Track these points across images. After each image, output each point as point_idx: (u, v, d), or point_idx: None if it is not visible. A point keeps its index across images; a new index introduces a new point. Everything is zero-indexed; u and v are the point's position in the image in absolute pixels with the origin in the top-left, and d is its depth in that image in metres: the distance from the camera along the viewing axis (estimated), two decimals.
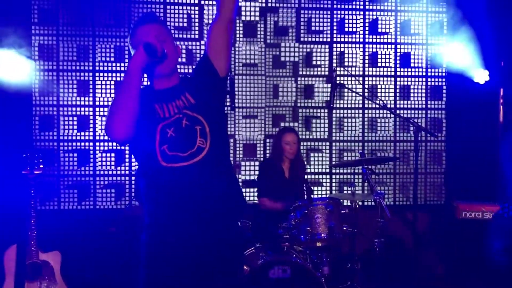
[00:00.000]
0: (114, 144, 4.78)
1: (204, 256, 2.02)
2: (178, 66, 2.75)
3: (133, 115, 1.96)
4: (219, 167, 2.07)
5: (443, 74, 5.15)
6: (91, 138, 4.78)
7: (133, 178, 4.78)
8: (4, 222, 3.97)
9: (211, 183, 2.03)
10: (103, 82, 4.78)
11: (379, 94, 5.07)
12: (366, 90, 5.02)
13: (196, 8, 4.92)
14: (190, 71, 4.79)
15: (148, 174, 2.07)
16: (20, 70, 4.34)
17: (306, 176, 4.57)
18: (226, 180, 2.09)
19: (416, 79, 5.15)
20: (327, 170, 5.04)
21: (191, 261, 2.01)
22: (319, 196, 4.93)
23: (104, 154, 4.79)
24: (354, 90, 4.56)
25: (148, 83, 2.20)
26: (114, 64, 4.79)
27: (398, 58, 5.13)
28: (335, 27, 5.07)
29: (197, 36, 4.91)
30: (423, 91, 5.15)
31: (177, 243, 2.01)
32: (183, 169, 2.00)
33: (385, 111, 5.03)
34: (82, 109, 4.76)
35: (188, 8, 4.91)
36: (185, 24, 4.88)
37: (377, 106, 4.87)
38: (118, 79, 4.81)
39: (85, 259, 4.13)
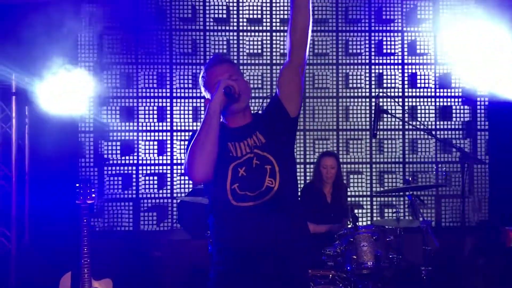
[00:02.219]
0: (157, 168, 4.90)
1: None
2: None
3: (213, 156, 1.99)
4: (287, 208, 2.07)
5: (486, 94, 5.07)
6: (135, 162, 4.90)
7: (175, 201, 4.87)
8: (58, 250, 4.10)
9: (278, 223, 2.04)
10: (146, 108, 4.91)
11: (419, 115, 5.02)
12: (406, 112, 4.98)
13: (235, 34, 5.01)
14: None
15: (218, 212, 2.10)
16: (68, 98, 4.49)
17: (348, 199, 4.56)
18: (293, 220, 2.10)
19: (456, 100, 5.08)
20: (368, 193, 5.02)
21: None
22: (360, 219, 4.89)
23: (147, 178, 4.90)
24: (392, 112, 4.54)
25: (222, 120, 2.24)
26: (156, 90, 4.92)
27: (437, 78, 5.09)
28: (373, 49, 5.08)
29: (235, 60, 5.00)
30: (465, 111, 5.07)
31: (244, 282, 2.03)
32: (251, 209, 2.02)
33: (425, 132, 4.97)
34: (126, 134, 4.89)
35: (227, 34, 5.01)
36: (224, 50, 4.98)
37: (418, 128, 4.82)
38: (160, 104, 4.94)
39: (135, 285, 4.22)
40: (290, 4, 2.08)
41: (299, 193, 2.25)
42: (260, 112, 2.30)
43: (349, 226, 3.60)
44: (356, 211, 4.92)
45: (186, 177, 4.88)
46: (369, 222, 4.85)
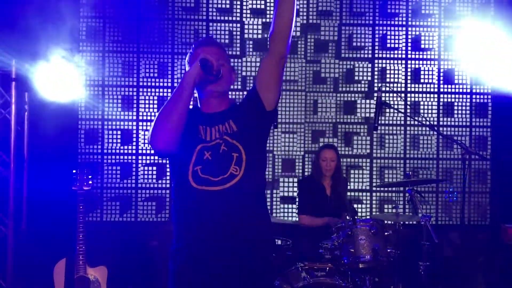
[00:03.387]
0: (156, 158, 4.87)
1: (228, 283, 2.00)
2: None
3: (178, 126, 1.97)
4: (249, 197, 2.04)
5: (489, 91, 5.02)
6: (133, 151, 4.88)
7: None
8: (54, 236, 4.09)
9: (238, 211, 2.01)
10: (147, 97, 4.88)
11: (421, 111, 4.98)
12: (408, 107, 4.94)
13: (238, 25, 4.97)
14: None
15: (178, 194, 2.08)
16: (68, 85, 4.47)
17: (347, 194, 4.53)
18: (254, 210, 2.07)
19: (460, 96, 5.04)
20: (368, 188, 4.98)
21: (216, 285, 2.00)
22: (360, 214, 4.86)
23: (146, 168, 4.87)
24: (397, 108, 4.50)
25: (198, 104, 2.22)
26: (157, 80, 4.89)
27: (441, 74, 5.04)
28: (376, 43, 5.03)
29: (238, 53, 4.96)
30: (467, 108, 5.03)
31: (203, 270, 2.00)
32: (211, 193, 2.00)
33: (427, 128, 4.94)
34: (126, 123, 4.86)
35: (229, 25, 4.96)
36: (226, 41, 4.94)
37: (420, 123, 4.77)
38: (161, 94, 4.90)
39: (130, 273, 4.21)
40: None
41: (265, 188, 2.20)
42: (237, 104, 2.27)
43: (348, 219, 3.57)
44: (355, 205, 4.88)
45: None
46: (368, 217, 4.82)
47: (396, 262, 3.56)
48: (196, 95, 2.19)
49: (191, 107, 2.10)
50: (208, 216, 1.99)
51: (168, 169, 4.90)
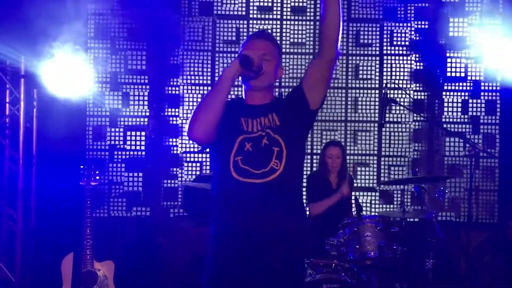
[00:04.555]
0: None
1: (262, 277, 2.02)
2: None
3: (214, 118, 2.02)
4: (288, 192, 2.07)
5: (497, 88, 4.98)
6: (142, 148, 4.90)
7: (180, 189, 4.87)
8: (63, 231, 4.13)
9: (277, 205, 2.03)
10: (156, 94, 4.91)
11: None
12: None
13: (245, 21, 4.98)
14: None
15: (218, 182, 2.11)
16: (76, 82, 4.50)
17: (353, 192, 4.52)
18: (293, 206, 2.10)
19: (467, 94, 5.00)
20: (375, 186, 4.97)
21: (249, 278, 2.02)
22: (367, 212, 4.86)
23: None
24: (404, 105, 4.49)
25: (243, 95, 2.24)
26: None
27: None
28: (384, 40, 5.02)
29: None
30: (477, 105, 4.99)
31: (238, 256, 2.03)
32: (252, 186, 2.02)
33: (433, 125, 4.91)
34: (135, 120, 4.89)
35: (237, 22, 4.97)
36: (233, 38, 4.95)
37: (424, 119, 4.75)
38: (169, 92, 4.93)
39: (136, 268, 4.24)
40: (320, 1, 2.06)
41: (303, 184, 2.23)
42: (281, 98, 2.30)
43: (354, 216, 3.56)
44: (361, 202, 4.88)
45: (195, 165, 4.89)
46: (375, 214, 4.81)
47: (402, 259, 3.55)
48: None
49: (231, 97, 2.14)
50: (248, 207, 2.02)
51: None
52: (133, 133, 4.88)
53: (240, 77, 2.13)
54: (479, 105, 4.97)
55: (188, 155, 4.92)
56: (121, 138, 4.87)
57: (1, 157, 4.44)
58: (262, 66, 2.07)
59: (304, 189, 4.68)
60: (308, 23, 4.98)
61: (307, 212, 4.18)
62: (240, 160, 2.05)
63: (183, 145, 4.91)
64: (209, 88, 4.84)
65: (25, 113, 4.41)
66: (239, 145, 2.07)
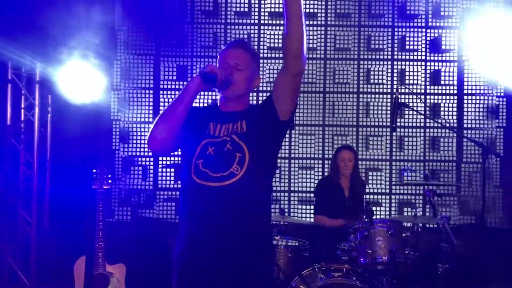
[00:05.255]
0: (174, 159, 4.93)
1: (227, 276, 2.03)
2: None
3: (172, 130, 2.03)
4: (246, 197, 2.05)
5: (502, 93, 4.93)
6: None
7: None
8: (76, 235, 4.17)
9: (234, 209, 2.03)
10: (167, 100, 4.95)
11: (441, 113, 4.93)
12: (428, 109, 4.90)
13: (256, 27, 5.01)
14: None
15: (182, 187, 2.15)
16: (90, 88, 4.56)
17: (365, 196, 4.50)
18: (251, 211, 2.07)
19: (479, 97, 4.96)
20: (387, 191, 4.95)
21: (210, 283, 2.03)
22: (379, 217, 4.83)
23: (164, 169, 4.94)
24: (416, 109, 4.47)
25: (218, 100, 2.25)
26: (176, 82, 4.96)
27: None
28: (396, 45, 5.01)
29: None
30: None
31: (199, 257, 2.03)
32: (210, 189, 2.03)
33: (447, 130, 4.88)
34: (147, 125, 4.94)
35: (248, 27, 5.00)
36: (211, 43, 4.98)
37: (440, 125, 4.72)
38: None
39: (147, 271, 4.26)
40: (283, 14, 2.02)
41: (268, 192, 2.21)
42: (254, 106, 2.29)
43: (365, 220, 3.55)
44: (374, 208, 4.85)
45: None
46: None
47: (415, 264, 3.52)
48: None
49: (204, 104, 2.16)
50: (206, 211, 2.03)
51: None
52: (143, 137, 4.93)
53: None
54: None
55: None
56: (134, 143, 4.92)
57: (17, 161, 4.52)
58: (229, 79, 2.07)
59: (313, 195, 4.69)
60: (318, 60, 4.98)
61: (313, 220, 4.17)
62: (201, 163, 2.07)
63: None
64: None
65: (39, 118, 4.49)
66: (201, 149, 2.09)
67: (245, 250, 2.04)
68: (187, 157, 2.11)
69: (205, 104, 4.87)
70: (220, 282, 2.02)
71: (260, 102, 4.44)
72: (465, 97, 4.95)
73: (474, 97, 4.95)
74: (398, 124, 4.89)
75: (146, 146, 4.79)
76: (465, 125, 4.93)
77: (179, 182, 4.92)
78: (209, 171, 2.05)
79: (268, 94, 2.31)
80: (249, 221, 2.07)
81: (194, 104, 2.10)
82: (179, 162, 4.92)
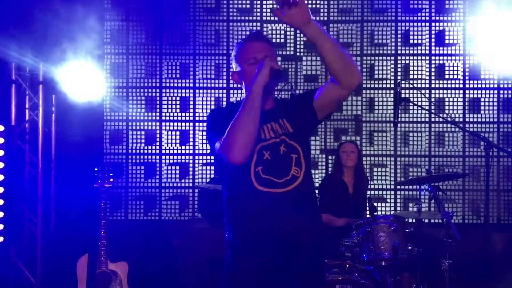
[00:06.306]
0: (179, 157, 4.94)
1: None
2: None
3: (254, 137, 1.93)
4: (309, 199, 2.07)
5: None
6: (157, 151, 4.96)
7: (197, 190, 4.90)
8: (76, 233, 4.20)
9: (302, 213, 2.01)
10: (169, 98, 4.96)
11: (446, 108, 4.88)
12: (432, 104, 4.85)
13: (258, 24, 5.00)
14: None
15: (238, 195, 2.06)
16: (93, 87, 4.58)
17: (369, 192, 4.48)
18: (314, 212, 2.10)
19: (487, 92, 4.90)
20: (392, 186, 4.91)
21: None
22: (383, 213, 4.80)
23: (169, 167, 4.95)
24: (419, 104, 4.43)
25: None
26: (179, 81, 4.96)
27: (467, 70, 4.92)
28: (399, 39, 4.96)
29: None
30: (495, 104, 4.89)
31: (263, 270, 1.99)
32: (277, 196, 1.99)
33: (453, 125, 4.82)
34: (149, 124, 4.95)
35: (250, 24, 4.99)
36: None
37: (444, 120, 4.67)
38: (183, 95, 4.97)
39: (151, 269, 4.28)
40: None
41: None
42: (283, 100, 2.28)
43: (367, 216, 3.53)
44: (378, 205, 4.82)
45: (209, 167, 4.91)
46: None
47: (418, 260, 3.50)
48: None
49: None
50: (274, 217, 1.98)
51: (191, 169, 4.96)
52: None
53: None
54: (497, 103, 4.87)
55: (201, 157, 4.95)
56: (138, 142, 4.93)
57: (21, 161, 4.55)
58: (283, 71, 2.05)
59: (317, 192, 4.67)
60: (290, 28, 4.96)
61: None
62: (261, 170, 2.01)
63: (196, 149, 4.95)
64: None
65: (44, 119, 4.51)
66: (258, 154, 2.02)
67: (318, 250, 2.06)
68: (242, 165, 2.00)
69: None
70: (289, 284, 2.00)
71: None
72: (468, 91, 4.89)
73: (481, 91, 4.89)
74: (402, 119, 4.88)
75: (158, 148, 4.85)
76: (470, 119, 4.87)
77: (183, 181, 4.93)
78: (272, 177, 2.00)
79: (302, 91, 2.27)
80: (316, 220, 2.09)
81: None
82: (185, 160, 4.92)
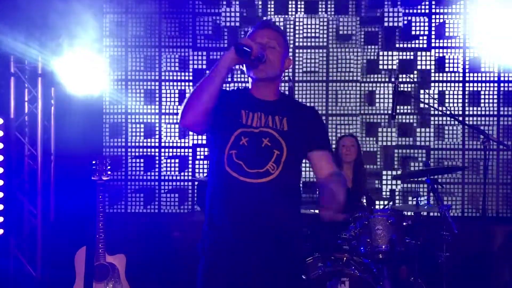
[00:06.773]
0: (179, 150, 4.95)
1: (258, 274, 2.00)
2: None
3: (206, 106, 1.93)
4: (279, 197, 2.01)
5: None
6: (156, 144, 4.96)
7: (196, 183, 4.91)
8: (75, 225, 4.21)
9: (266, 207, 1.99)
10: (168, 91, 4.96)
11: (446, 101, 4.86)
12: (431, 96, 4.83)
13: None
14: None
15: (212, 176, 2.07)
16: (92, 80, 4.58)
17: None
18: (285, 209, 2.04)
19: (487, 85, 4.88)
20: (389, 180, 4.90)
21: (244, 278, 2.00)
22: (381, 206, 4.80)
23: (168, 160, 4.95)
24: (419, 98, 4.41)
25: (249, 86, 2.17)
26: (178, 74, 4.95)
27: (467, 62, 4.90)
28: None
29: None
30: (495, 97, 4.87)
31: (231, 251, 2.00)
32: (243, 184, 1.97)
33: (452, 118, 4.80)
34: (149, 116, 4.95)
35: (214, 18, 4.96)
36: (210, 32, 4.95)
37: (442, 113, 4.66)
38: (182, 88, 4.97)
39: (149, 262, 4.29)
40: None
41: (298, 194, 2.19)
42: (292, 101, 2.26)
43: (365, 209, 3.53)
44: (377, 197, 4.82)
45: (208, 160, 4.91)
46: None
47: (416, 253, 3.50)
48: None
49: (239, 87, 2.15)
50: (238, 206, 1.98)
51: (190, 161, 4.97)
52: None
53: (245, 67, 2.07)
54: (497, 96, 4.85)
55: (201, 148, 4.95)
56: (137, 135, 4.93)
57: (21, 154, 4.56)
58: (263, 55, 1.97)
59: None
60: (288, 22, 4.94)
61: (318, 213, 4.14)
62: (234, 154, 1.99)
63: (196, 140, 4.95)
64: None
65: (43, 111, 4.51)
66: (235, 138, 2.00)
67: (276, 250, 2.00)
68: (218, 145, 2.03)
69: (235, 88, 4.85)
70: (252, 280, 1.98)
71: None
72: (468, 84, 4.87)
73: (480, 84, 4.87)
74: (402, 111, 4.86)
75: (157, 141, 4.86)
76: (470, 112, 4.86)
77: (183, 174, 4.94)
78: (243, 164, 1.98)
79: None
80: (281, 221, 2.02)
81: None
82: (184, 153, 4.93)
